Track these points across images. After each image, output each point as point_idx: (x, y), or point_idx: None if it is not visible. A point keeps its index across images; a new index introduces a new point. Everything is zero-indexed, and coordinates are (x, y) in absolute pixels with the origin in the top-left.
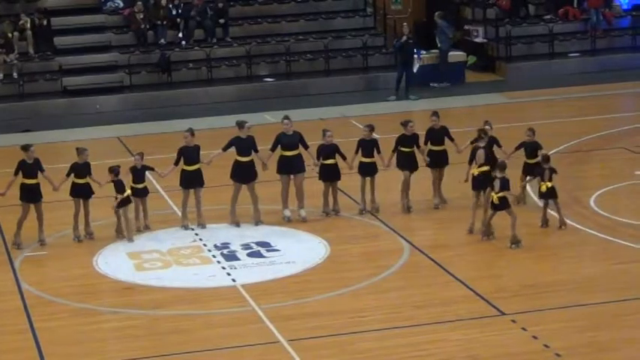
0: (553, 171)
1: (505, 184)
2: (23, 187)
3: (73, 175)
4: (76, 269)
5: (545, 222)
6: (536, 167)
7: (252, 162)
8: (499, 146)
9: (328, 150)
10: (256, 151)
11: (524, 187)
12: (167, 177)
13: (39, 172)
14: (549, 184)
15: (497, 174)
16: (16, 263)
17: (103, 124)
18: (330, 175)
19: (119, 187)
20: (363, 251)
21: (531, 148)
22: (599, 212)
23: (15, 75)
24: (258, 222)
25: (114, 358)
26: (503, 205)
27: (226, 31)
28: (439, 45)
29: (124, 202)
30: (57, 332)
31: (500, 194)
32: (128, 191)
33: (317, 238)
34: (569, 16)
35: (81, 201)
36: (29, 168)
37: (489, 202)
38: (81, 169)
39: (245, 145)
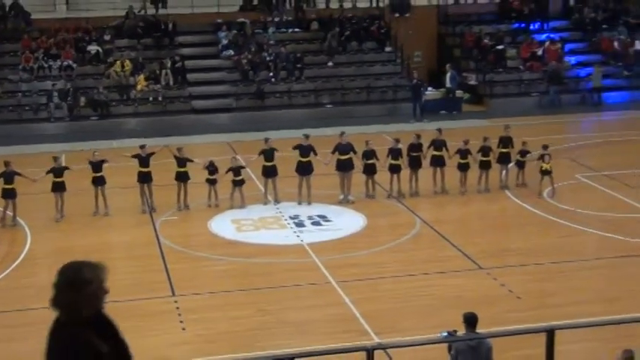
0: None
1: None
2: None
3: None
4: (196, 229)
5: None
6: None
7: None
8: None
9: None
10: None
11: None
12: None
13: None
14: (548, 166)
15: None
16: (157, 224)
17: (218, 133)
18: (370, 171)
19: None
20: (388, 223)
21: (506, 141)
22: (552, 203)
23: (160, 98)
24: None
25: (220, 290)
26: None
27: (301, 72)
28: (449, 85)
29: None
30: (182, 272)
31: None
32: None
33: (359, 213)
34: (534, 67)
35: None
36: (143, 160)
37: None
38: (180, 160)
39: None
